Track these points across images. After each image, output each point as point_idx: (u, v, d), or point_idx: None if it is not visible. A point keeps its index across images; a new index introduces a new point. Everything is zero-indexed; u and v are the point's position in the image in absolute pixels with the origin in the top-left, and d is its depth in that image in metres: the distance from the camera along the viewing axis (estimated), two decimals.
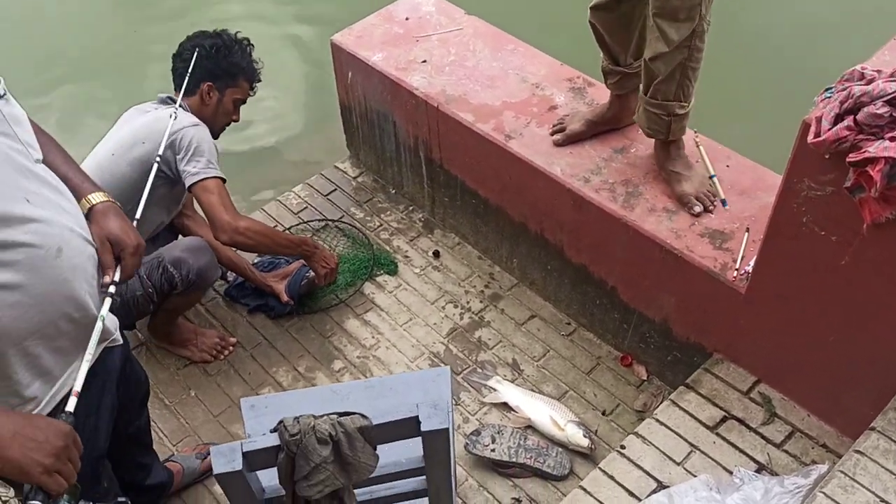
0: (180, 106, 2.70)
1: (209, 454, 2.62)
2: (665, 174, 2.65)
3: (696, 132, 2.76)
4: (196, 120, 2.64)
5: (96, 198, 1.73)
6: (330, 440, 1.54)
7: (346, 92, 3.52)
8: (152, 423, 2.79)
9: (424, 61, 3.20)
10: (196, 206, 3.02)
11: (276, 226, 3.46)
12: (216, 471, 1.53)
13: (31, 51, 5.06)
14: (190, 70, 2.70)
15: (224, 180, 2.59)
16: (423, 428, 1.57)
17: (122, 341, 1.86)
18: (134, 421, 2.24)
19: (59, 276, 1.53)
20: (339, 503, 1.65)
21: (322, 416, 1.58)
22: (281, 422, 1.56)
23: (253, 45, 2.84)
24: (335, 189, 3.64)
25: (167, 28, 5.04)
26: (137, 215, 1.97)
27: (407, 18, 3.41)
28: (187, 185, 2.54)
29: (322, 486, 1.56)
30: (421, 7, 3.47)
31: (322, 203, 3.58)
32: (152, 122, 2.61)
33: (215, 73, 2.74)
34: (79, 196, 1.71)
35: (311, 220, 3.49)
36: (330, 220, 3.49)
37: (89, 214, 1.71)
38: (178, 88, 2.76)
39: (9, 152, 1.49)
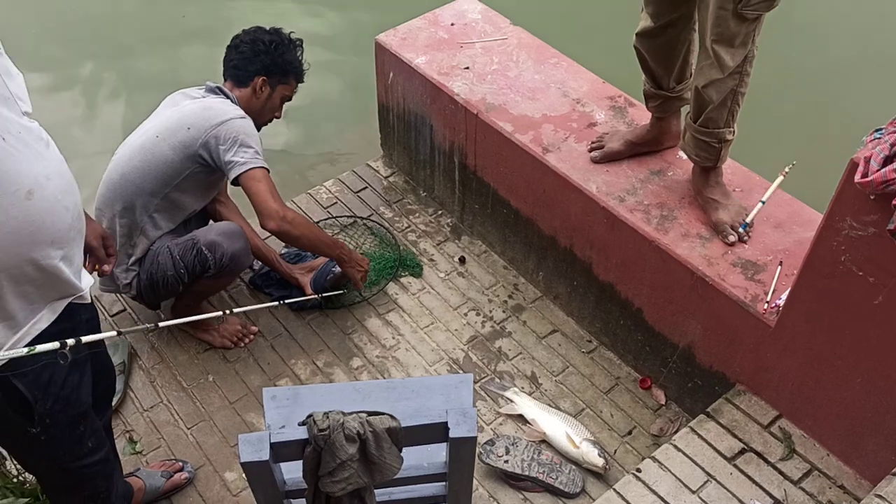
0: (228, 97, 2.72)
1: (179, 471, 2.58)
2: (702, 200, 2.65)
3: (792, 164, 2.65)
4: (242, 112, 2.66)
5: None
6: (358, 438, 1.54)
7: (385, 92, 3.53)
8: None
9: (467, 68, 3.21)
10: (229, 192, 3.05)
11: None
12: (243, 459, 1.53)
13: (74, 23, 5.11)
14: (245, 63, 2.75)
15: (269, 171, 2.61)
16: (452, 434, 1.57)
17: (89, 300, 1.88)
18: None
19: (27, 218, 1.58)
20: (360, 502, 1.66)
21: (351, 413, 1.58)
22: (311, 415, 1.56)
23: (303, 46, 2.87)
24: (366, 187, 3.65)
25: (214, 16, 5.10)
26: None
27: (452, 24, 3.42)
28: (235, 174, 2.55)
29: (345, 483, 1.57)
30: (467, 14, 3.47)
31: (352, 200, 3.59)
32: (200, 110, 2.63)
33: (270, 68, 2.77)
34: None
35: (340, 216, 3.50)
36: (359, 217, 3.49)
37: None
38: (229, 79, 2.79)
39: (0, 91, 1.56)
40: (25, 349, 1.67)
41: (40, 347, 1.67)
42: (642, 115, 2.94)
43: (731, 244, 2.56)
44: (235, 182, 2.59)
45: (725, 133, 2.45)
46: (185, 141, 2.58)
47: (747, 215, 2.59)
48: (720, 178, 2.63)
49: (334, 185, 3.66)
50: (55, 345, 1.68)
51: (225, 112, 2.60)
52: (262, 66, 2.76)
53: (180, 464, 2.62)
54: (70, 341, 1.71)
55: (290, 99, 2.91)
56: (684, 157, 2.80)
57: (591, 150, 2.86)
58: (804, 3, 4.80)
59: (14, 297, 1.64)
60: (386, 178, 3.70)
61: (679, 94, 2.65)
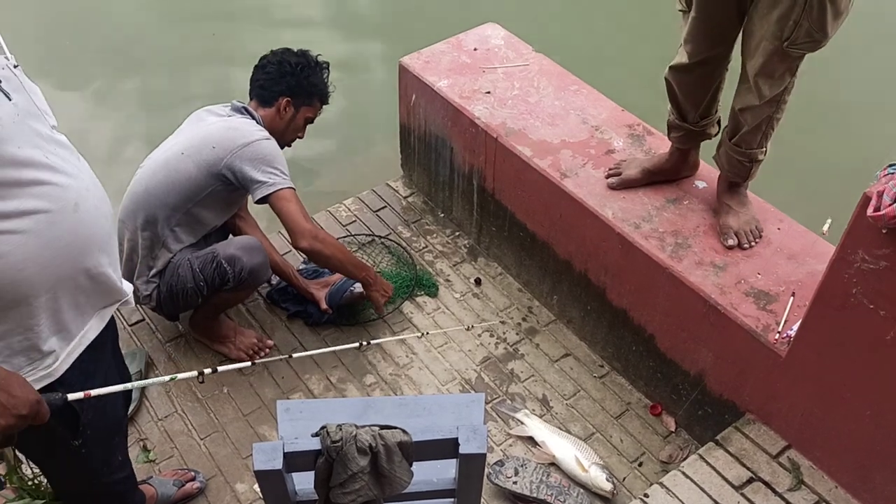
0: (253, 117, 2.78)
1: (191, 480, 2.61)
2: (719, 204, 2.72)
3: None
4: (267, 133, 2.72)
5: None
6: (369, 451, 1.57)
7: (407, 113, 3.59)
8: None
9: (488, 92, 3.26)
10: (249, 208, 3.11)
11: None
12: (256, 467, 1.56)
13: (106, 42, 5.22)
14: (271, 83, 2.82)
15: (295, 190, 2.67)
16: (462, 451, 1.60)
17: (133, 303, 1.94)
18: None
19: (77, 230, 1.63)
20: None
21: (364, 426, 1.61)
22: (324, 427, 1.59)
23: (329, 69, 2.93)
24: (385, 206, 3.70)
25: (244, 36, 5.20)
26: None
27: (475, 49, 3.47)
28: (262, 194, 2.61)
29: (356, 495, 1.59)
30: (490, 39, 3.53)
31: (371, 218, 3.63)
32: (225, 130, 2.68)
33: (295, 90, 2.83)
34: None
35: (359, 234, 3.55)
36: (377, 236, 3.54)
37: None
38: (255, 98, 2.85)
39: (31, 109, 1.60)
40: (168, 377, 1.78)
41: (181, 376, 1.80)
42: (660, 144, 2.98)
43: (730, 248, 2.64)
44: (262, 201, 2.64)
45: (757, 153, 2.54)
46: (210, 160, 2.63)
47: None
48: (743, 189, 2.69)
49: (354, 203, 3.71)
50: (193, 373, 1.80)
51: (251, 133, 2.66)
52: (287, 88, 2.81)
53: (192, 473, 2.65)
54: (207, 370, 1.81)
55: (312, 121, 2.96)
56: (700, 186, 2.85)
57: (608, 177, 2.90)
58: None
59: (69, 309, 1.67)
60: (405, 198, 3.75)
61: (702, 129, 2.69)
